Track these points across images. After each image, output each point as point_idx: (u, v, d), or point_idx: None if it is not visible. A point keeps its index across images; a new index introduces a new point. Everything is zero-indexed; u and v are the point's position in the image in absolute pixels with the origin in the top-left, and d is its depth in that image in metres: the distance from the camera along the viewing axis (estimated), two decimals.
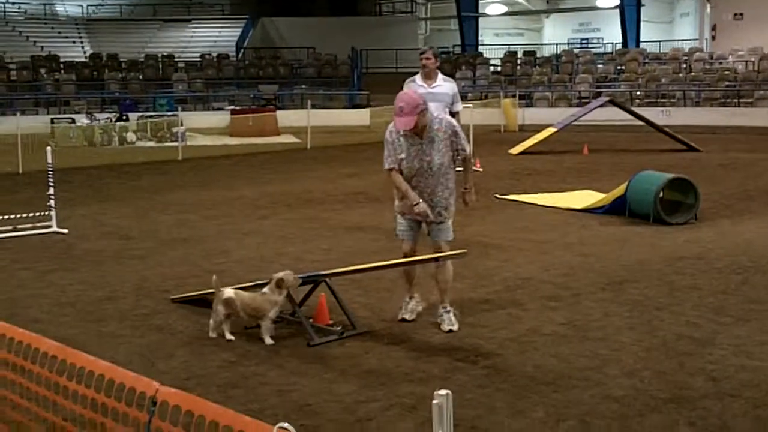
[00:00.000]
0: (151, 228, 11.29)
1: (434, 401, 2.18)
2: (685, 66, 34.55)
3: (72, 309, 7.36)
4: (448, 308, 6.68)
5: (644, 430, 4.70)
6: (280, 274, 6.42)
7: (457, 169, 6.87)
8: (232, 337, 6.37)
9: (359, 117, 30.91)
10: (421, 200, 6.54)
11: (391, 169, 6.63)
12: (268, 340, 6.28)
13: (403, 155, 6.57)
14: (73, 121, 28.18)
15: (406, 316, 6.97)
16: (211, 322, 6.47)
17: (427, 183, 6.60)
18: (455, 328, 6.58)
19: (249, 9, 43.40)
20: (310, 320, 6.59)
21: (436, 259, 6.54)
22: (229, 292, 6.44)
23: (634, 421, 4.82)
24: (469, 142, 17.83)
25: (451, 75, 33.71)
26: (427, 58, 9.88)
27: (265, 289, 6.42)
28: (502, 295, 7.60)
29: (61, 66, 37.07)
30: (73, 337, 6.33)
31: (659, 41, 40.77)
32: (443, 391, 2.19)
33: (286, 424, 2.16)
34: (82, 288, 8.10)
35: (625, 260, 8.88)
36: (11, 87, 34.77)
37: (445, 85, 9.93)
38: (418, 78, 10.04)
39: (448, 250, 6.71)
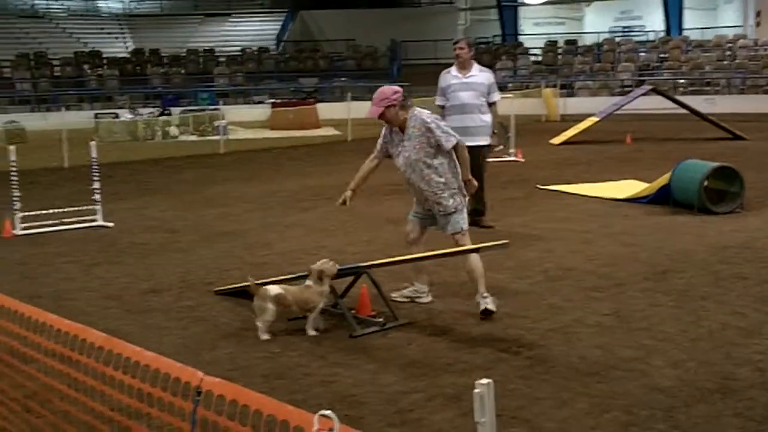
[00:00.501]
0: (195, 221, 11.39)
1: (475, 390, 2.17)
2: (729, 53, 34.08)
3: (117, 301, 7.46)
4: (485, 295, 6.64)
5: (690, 420, 4.65)
6: (319, 265, 6.44)
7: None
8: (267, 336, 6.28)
9: None
10: (345, 194, 7.04)
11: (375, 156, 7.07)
12: (312, 332, 6.30)
13: (393, 150, 6.93)
14: (117, 116, 28.52)
15: (394, 294, 7.12)
16: (261, 324, 6.24)
17: (412, 178, 6.85)
18: (491, 307, 6.54)
19: (289, 2, 43.56)
20: (352, 312, 6.60)
21: (477, 250, 6.51)
22: (276, 288, 6.36)
23: (680, 411, 4.77)
24: (509, 132, 17.70)
25: (490, 65, 33.58)
26: (461, 48, 9.89)
27: (308, 282, 6.43)
28: (545, 286, 7.56)
29: (104, 62, 37.55)
30: (119, 329, 6.42)
31: (703, 28, 40.21)
32: (484, 381, 2.18)
33: (328, 412, 2.17)
34: (127, 281, 8.20)
35: (669, 250, 8.79)
36: (55, 83, 35.29)
37: (480, 75, 9.92)
38: (453, 69, 10.05)
39: (464, 241, 6.84)
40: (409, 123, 6.78)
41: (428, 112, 6.89)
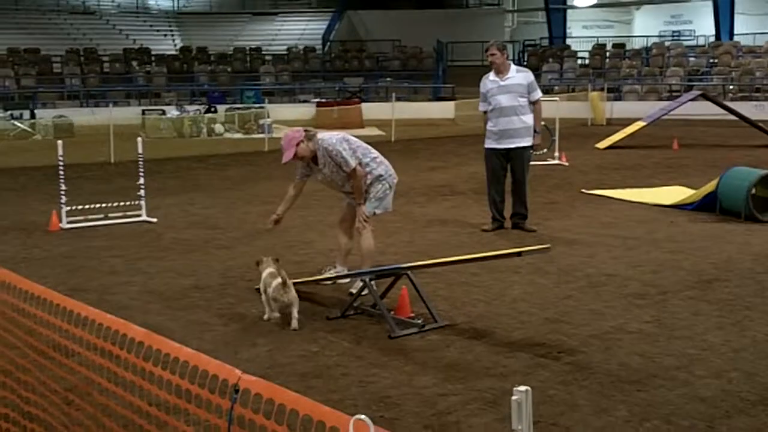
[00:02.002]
0: (238, 218, 11.47)
1: (513, 397, 2.15)
2: None
3: (159, 297, 7.53)
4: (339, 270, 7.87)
5: None
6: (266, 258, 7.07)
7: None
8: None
9: (444, 110, 30.84)
10: (272, 217, 7.96)
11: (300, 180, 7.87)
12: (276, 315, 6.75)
13: (312, 175, 7.77)
14: (164, 112, 28.78)
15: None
16: (296, 314, 6.47)
17: (337, 189, 7.87)
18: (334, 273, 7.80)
19: (335, 2, 43.68)
20: (391, 313, 6.60)
21: (519, 254, 6.47)
22: (282, 278, 6.56)
23: (721, 422, 4.70)
24: (554, 135, 17.63)
25: (536, 68, 33.37)
26: (492, 54, 9.97)
27: (274, 268, 6.78)
28: (586, 291, 7.49)
29: (153, 59, 37.94)
30: (161, 324, 6.48)
31: (754, 33, 39.58)
32: (522, 387, 2.16)
33: (363, 417, 2.16)
34: (169, 276, 8.27)
35: (714, 258, 8.66)
36: (104, 79, 35.70)
37: (517, 76, 9.96)
38: (491, 74, 10.09)
39: (362, 224, 7.58)
40: (318, 153, 7.54)
41: (331, 137, 7.60)
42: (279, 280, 6.51)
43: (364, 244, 7.65)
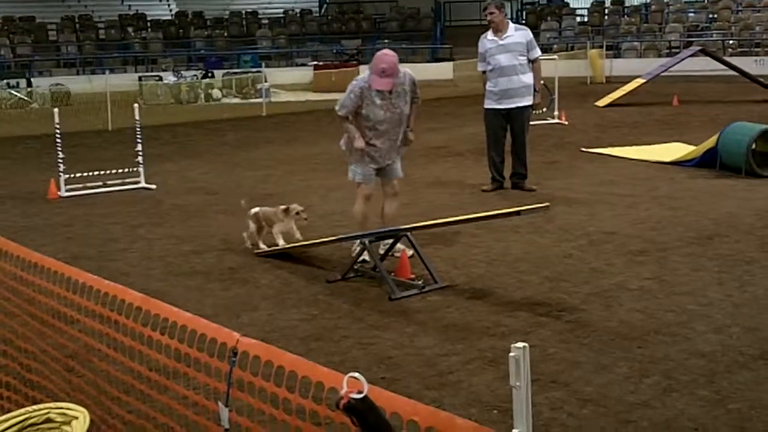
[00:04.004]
0: (237, 183, 11.44)
1: (511, 354, 2.15)
2: None
3: (160, 263, 7.53)
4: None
5: (732, 386, 4.59)
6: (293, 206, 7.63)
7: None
8: (265, 247, 7.60)
9: (442, 71, 30.65)
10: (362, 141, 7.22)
11: (345, 117, 7.16)
12: (281, 242, 7.47)
13: (368, 107, 7.04)
14: (161, 78, 28.62)
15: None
16: (246, 235, 7.76)
17: (394, 130, 7.22)
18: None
19: None
20: (392, 274, 6.60)
21: (518, 213, 6.46)
22: (254, 209, 7.73)
23: (722, 377, 4.71)
24: (553, 94, 17.48)
25: (535, 26, 33.10)
26: (491, 13, 9.89)
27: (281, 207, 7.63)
28: (587, 250, 7.49)
29: (148, 24, 37.68)
30: (161, 290, 6.48)
31: None
32: (520, 344, 2.15)
33: (356, 374, 2.16)
34: (169, 242, 8.27)
35: (715, 214, 8.65)
36: (100, 46, 35.52)
37: (516, 35, 9.88)
38: (489, 33, 10.00)
39: (400, 187, 7.68)
40: (396, 81, 7.02)
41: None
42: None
43: (395, 205, 7.71)
